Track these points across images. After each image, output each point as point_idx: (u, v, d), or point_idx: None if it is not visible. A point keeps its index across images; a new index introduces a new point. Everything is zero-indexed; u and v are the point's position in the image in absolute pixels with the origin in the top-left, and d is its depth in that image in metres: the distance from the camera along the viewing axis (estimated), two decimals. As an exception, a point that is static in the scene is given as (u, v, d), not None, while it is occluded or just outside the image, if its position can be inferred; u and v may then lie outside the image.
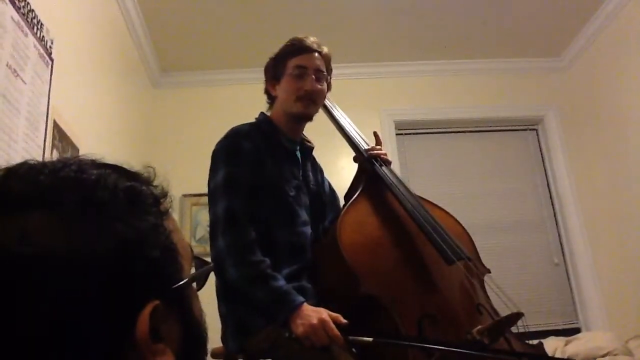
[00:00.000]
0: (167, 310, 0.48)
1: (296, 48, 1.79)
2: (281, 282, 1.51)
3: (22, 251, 0.42)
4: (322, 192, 1.92)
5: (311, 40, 1.80)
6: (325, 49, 1.82)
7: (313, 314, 1.42)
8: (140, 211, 0.50)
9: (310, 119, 1.84)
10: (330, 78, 1.87)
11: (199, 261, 0.59)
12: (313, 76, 1.76)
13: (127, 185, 0.51)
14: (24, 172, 0.48)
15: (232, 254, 1.54)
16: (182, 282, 0.51)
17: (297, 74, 1.76)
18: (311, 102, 1.78)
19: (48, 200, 0.46)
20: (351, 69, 3.81)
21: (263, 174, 1.68)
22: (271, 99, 1.87)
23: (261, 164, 1.69)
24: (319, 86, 1.78)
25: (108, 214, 0.47)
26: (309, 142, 1.93)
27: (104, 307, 0.43)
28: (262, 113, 1.90)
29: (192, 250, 0.58)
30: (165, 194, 0.55)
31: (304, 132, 1.90)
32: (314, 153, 1.96)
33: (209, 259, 1.52)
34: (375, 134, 1.99)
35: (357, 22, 3.60)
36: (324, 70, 1.81)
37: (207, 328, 0.56)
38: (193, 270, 0.57)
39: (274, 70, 1.82)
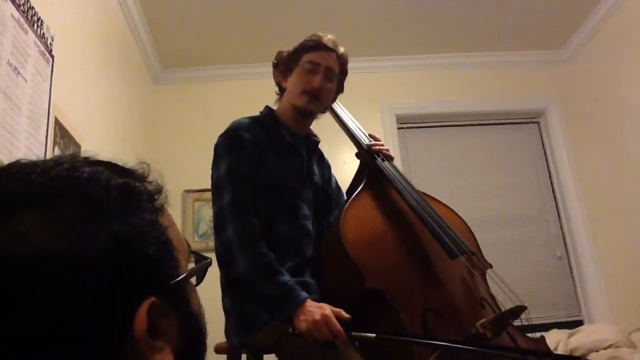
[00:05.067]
0: (165, 306, 0.47)
1: (313, 44, 1.79)
2: (287, 277, 1.52)
3: (17, 252, 0.42)
4: (327, 187, 1.92)
5: (329, 38, 1.80)
6: (341, 50, 1.82)
7: (316, 310, 1.42)
8: (135, 208, 0.50)
9: (311, 114, 1.84)
10: (344, 80, 1.87)
11: (197, 256, 0.59)
12: (323, 74, 1.76)
13: (120, 182, 0.50)
14: (16, 171, 0.48)
15: (241, 243, 1.54)
16: (180, 277, 0.51)
17: (308, 69, 1.77)
18: (315, 98, 1.77)
19: (41, 200, 0.45)
20: (352, 63, 3.72)
21: (264, 167, 1.68)
22: (281, 90, 1.87)
23: (262, 157, 1.70)
24: (328, 85, 1.79)
25: (102, 211, 0.47)
26: (315, 136, 1.93)
27: (101, 304, 0.43)
28: (267, 107, 1.89)
29: (189, 245, 0.58)
30: (159, 190, 0.55)
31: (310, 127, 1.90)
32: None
33: (211, 255, 1.52)
34: (372, 136, 1.98)
35: (359, 17, 3.58)
36: (337, 70, 1.81)
37: (206, 323, 0.56)
38: (192, 265, 0.57)
39: (288, 63, 1.83)
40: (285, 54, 1.84)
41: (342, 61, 1.83)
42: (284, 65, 1.84)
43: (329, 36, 1.81)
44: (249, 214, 1.59)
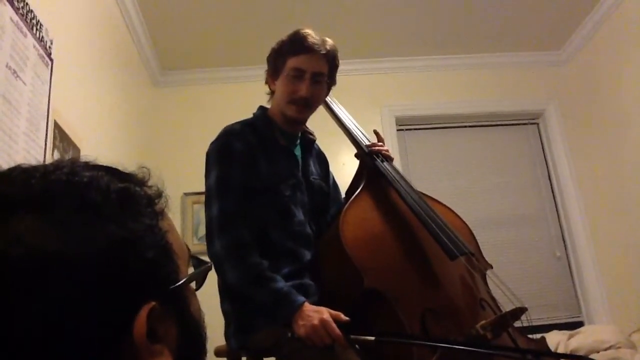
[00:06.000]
0: (165, 310, 0.48)
1: (297, 48, 1.70)
2: (280, 284, 1.51)
3: (15, 253, 0.42)
4: (325, 184, 1.90)
5: (313, 39, 1.70)
6: (328, 46, 1.72)
7: (314, 314, 1.41)
8: (134, 212, 0.50)
9: (303, 122, 1.82)
10: (336, 73, 1.80)
11: (197, 261, 0.59)
12: (310, 80, 1.70)
13: (120, 187, 0.51)
14: (16, 176, 0.48)
15: (229, 256, 1.54)
16: (179, 282, 0.51)
17: (294, 76, 1.70)
18: (305, 107, 1.74)
19: (40, 204, 0.46)
20: (351, 64, 3.80)
21: (256, 174, 1.66)
22: (270, 90, 1.84)
23: (254, 164, 1.68)
24: (316, 90, 1.73)
25: (101, 215, 0.47)
26: (310, 134, 1.90)
27: (100, 308, 0.44)
28: (260, 107, 1.87)
29: (189, 250, 0.58)
30: (159, 194, 0.55)
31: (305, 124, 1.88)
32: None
33: (208, 258, 1.52)
34: (375, 132, 1.98)
35: (357, 18, 3.59)
36: (324, 72, 1.74)
37: (206, 327, 0.56)
38: (191, 270, 0.57)
39: (274, 65, 1.77)
40: (270, 54, 1.79)
41: (330, 58, 1.74)
42: (271, 67, 1.79)
43: (313, 35, 1.71)
44: (237, 226, 1.57)
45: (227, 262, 1.53)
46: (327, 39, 1.75)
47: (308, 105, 1.74)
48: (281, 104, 1.75)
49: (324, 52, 1.71)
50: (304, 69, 1.70)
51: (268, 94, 1.85)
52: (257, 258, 1.54)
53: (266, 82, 1.84)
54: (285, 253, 1.63)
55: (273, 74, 1.79)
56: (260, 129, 1.77)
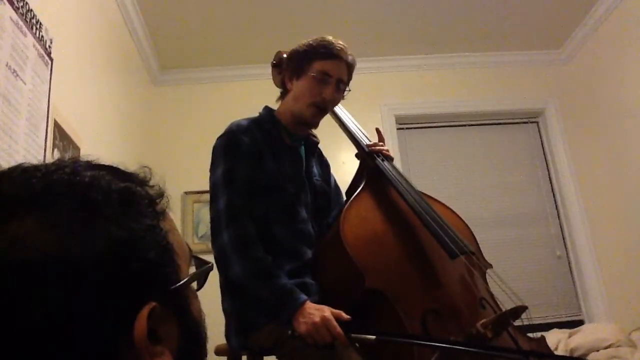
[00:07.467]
0: (165, 311, 0.47)
1: (326, 52, 1.73)
2: (284, 280, 1.51)
3: (16, 256, 0.42)
4: (327, 187, 1.91)
5: (341, 46, 1.74)
6: (351, 58, 1.76)
7: (315, 312, 1.41)
8: (135, 212, 0.50)
9: (313, 127, 1.83)
10: (348, 87, 1.82)
11: (198, 261, 0.59)
12: (335, 85, 1.73)
13: (121, 187, 0.50)
14: (17, 175, 0.48)
15: (236, 248, 1.54)
16: (180, 282, 0.51)
17: (320, 79, 1.72)
18: (321, 111, 1.76)
19: (40, 204, 0.46)
20: None
21: (262, 171, 1.68)
22: (284, 89, 1.84)
23: (260, 161, 1.69)
24: (337, 96, 1.77)
25: (101, 216, 0.47)
26: (314, 136, 1.91)
27: (100, 309, 0.43)
28: (266, 107, 1.88)
29: (190, 250, 0.58)
30: (161, 194, 0.55)
31: None
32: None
33: (211, 256, 1.52)
34: (377, 130, 1.99)
35: (358, 17, 3.59)
36: (346, 80, 1.77)
37: (206, 328, 0.56)
38: (193, 270, 0.57)
39: (297, 65, 1.77)
40: (294, 54, 1.79)
41: (351, 70, 1.79)
42: (292, 66, 1.79)
43: (341, 43, 1.75)
44: (244, 220, 1.58)
45: (233, 254, 1.53)
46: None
47: (324, 110, 1.77)
48: (300, 104, 1.75)
49: (349, 61, 1.76)
50: (331, 74, 1.72)
51: (281, 92, 1.86)
52: (262, 253, 1.55)
53: (281, 82, 1.84)
54: (287, 250, 1.64)
55: (293, 73, 1.78)
56: (266, 127, 1.78)
